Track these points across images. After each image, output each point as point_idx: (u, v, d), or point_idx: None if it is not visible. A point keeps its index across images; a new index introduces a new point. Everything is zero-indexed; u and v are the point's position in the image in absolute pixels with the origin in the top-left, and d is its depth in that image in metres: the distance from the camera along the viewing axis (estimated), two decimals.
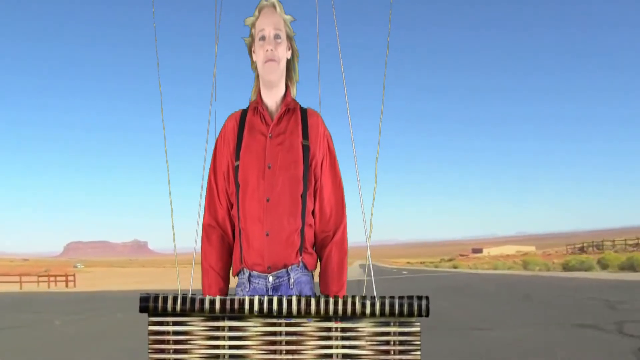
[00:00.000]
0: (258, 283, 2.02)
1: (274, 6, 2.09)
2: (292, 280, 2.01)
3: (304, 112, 2.15)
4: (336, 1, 2.05)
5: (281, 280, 2.01)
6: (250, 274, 2.03)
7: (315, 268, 2.12)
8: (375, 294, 1.38)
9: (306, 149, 2.07)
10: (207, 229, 2.11)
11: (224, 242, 2.11)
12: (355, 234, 2.27)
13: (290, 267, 2.02)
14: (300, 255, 2.04)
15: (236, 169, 2.07)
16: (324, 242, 2.10)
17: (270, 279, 2.01)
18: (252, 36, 2.13)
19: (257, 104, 2.12)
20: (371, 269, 1.71)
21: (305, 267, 2.06)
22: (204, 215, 2.11)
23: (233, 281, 2.12)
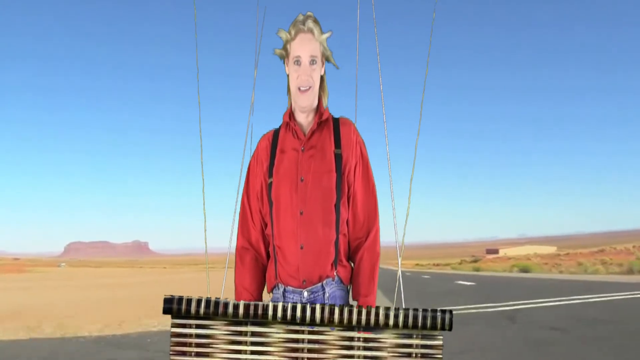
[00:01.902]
0: (292, 298, 2.00)
1: (311, 32, 2.05)
2: (327, 295, 1.99)
3: (336, 121, 2.13)
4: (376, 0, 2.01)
5: (316, 295, 1.99)
6: (285, 289, 2.02)
7: (350, 282, 2.09)
8: (403, 305, 1.37)
9: (339, 157, 2.05)
10: (240, 252, 2.10)
11: (257, 263, 2.10)
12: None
13: (325, 281, 2.00)
14: (335, 268, 2.02)
15: (269, 186, 2.06)
16: (357, 248, 2.08)
17: (305, 294, 1.99)
18: (285, 50, 2.10)
19: (289, 120, 2.11)
20: (401, 281, 1.69)
21: (341, 281, 2.04)
22: (237, 238, 2.11)
23: (267, 298, 2.11)
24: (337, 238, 2.03)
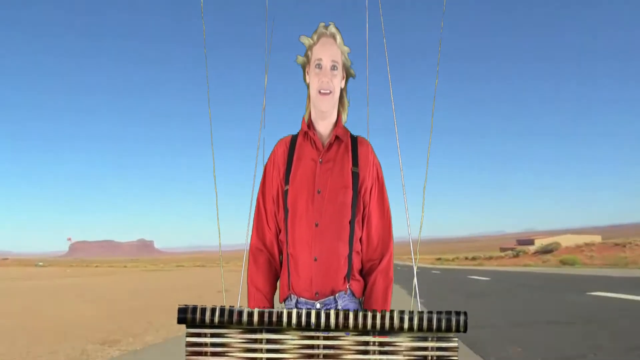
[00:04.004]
0: None
1: (333, 37, 2.07)
2: (339, 308, 1.99)
3: (354, 139, 2.14)
4: (384, 8, 2.01)
5: (329, 307, 1.99)
6: (297, 300, 2.02)
7: (363, 295, 2.09)
8: (419, 309, 1.36)
9: (355, 175, 2.06)
10: (254, 252, 2.11)
11: (271, 265, 2.11)
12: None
13: (337, 294, 2.00)
14: (348, 282, 2.02)
15: (285, 193, 2.06)
16: (370, 270, 2.08)
17: (318, 306, 2.00)
18: (307, 57, 2.12)
19: (308, 129, 2.11)
20: (416, 288, 1.68)
21: (353, 294, 2.05)
22: (252, 237, 2.11)
23: (279, 307, 2.11)
24: (351, 253, 2.03)
